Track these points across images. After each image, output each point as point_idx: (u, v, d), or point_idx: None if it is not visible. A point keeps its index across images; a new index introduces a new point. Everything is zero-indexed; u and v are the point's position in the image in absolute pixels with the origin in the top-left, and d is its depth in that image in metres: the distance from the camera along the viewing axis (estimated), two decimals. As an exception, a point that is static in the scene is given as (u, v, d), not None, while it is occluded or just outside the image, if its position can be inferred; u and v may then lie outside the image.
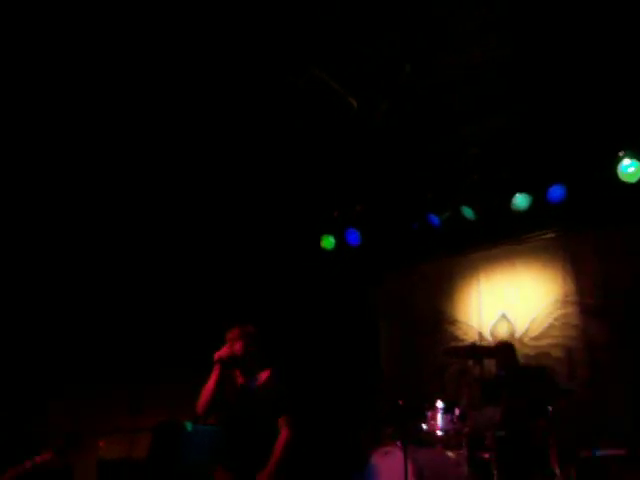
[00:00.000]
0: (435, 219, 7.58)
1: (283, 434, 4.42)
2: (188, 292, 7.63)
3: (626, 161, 6.45)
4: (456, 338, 7.74)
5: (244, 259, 7.88)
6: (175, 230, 7.42)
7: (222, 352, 4.49)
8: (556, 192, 6.96)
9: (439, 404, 5.77)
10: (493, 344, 7.11)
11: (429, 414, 5.79)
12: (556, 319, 7.17)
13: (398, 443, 5.61)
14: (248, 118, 6.44)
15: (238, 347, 4.58)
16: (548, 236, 7.45)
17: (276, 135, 6.79)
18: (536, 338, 7.24)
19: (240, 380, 4.68)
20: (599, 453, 5.60)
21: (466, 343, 7.21)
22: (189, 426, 6.85)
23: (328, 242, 7.99)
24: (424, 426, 5.80)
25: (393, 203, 7.82)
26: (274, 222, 7.82)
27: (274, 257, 8.10)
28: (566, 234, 7.35)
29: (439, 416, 5.73)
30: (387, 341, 8.37)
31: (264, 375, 4.67)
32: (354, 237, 7.92)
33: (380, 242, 8.02)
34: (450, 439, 5.69)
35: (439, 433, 5.71)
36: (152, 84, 5.94)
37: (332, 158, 7.20)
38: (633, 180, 6.43)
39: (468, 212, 7.39)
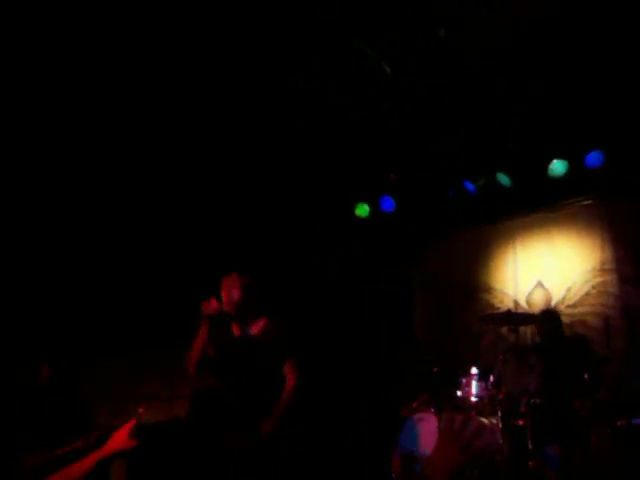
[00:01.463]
0: (471, 186, 7.51)
1: (290, 381, 4.33)
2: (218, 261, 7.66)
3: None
4: (492, 306, 7.70)
5: (278, 228, 7.89)
6: (207, 197, 7.43)
7: (211, 307, 4.33)
8: (594, 158, 6.86)
9: (474, 371, 5.77)
10: (530, 312, 7.07)
11: (463, 381, 5.80)
12: (593, 287, 7.08)
13: (432, 409, 5.64)
14: (282, 84, 6.41)
15: (235, 294, 4.42)
16: (585, 203, 7.33)
17: (310, 101, 6.75)
18: (572, 306, 7.17)
19: (236, 331, 4.53)
20: (636, 421, 5.54)
21: (502, 310, 7.17)
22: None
23: (363, 210, 7.97)
24: (458, 393, 5.81)
25: (428, 170, 7.75)
26: (309, 190, 7.80)
27: (308, 224, 8.10)
28: (604, 201, 7.22)
29: (473, 383, 5.74)
30: (422, 309, 8.36)
31: (261, 322, 4.51)
32: (389, 205, 7.88)
33: (415, 210, 7.97)
34: (484, 406, 5.69)
35: (473, 400, 5.72)
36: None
37: (367, 124, 7.14)
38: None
39: (504, 179, 7.31)
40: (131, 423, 3.54)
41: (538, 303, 7.33)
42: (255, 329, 4.50)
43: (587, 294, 7.11)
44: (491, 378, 5.67)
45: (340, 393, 7.11)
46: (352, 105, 6.84)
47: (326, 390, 6.42)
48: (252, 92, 6.38)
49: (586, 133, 6.88)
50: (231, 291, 4.44)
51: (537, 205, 7.57)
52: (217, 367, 4.47)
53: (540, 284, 7.43)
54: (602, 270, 7.06)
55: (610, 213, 7.16)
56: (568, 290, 7.22)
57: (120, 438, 3.50)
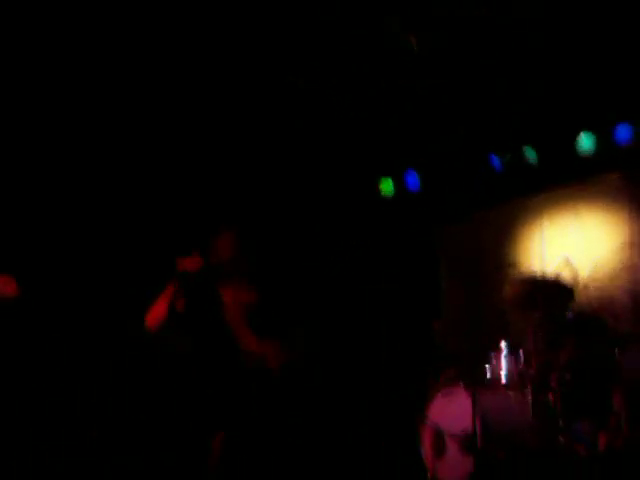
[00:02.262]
0: (497, 161, 7.45)
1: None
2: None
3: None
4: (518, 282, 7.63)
5: (299, 202, 7.83)
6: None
7: (189, 263, 3.76)
8: (623, 132, 6.77)
9: (503, 345, 5.74)
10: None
11: (493, 356, 5.77)
12: (621, 263, 7.00)
13: (461, 384, 5.61)
14: (307, 56, 6.35)
15: (227, 254, 3.84)
16: (614, 178, 7.22)
17: (334, 75, 6.69)
18: (600, 282, 7.09)
19: (227, 297, 3.95)
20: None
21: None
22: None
23: (387, 185, 7.92)
24: (487, 368, 5.78)
25: (454, 145, 7.68)
26: (332, 164, 7.74)
27: (330, 199, 8.03)
28: (632, 176, 7.10)
29: (503, 358, 5.71)
30: (449, 286, 8.33)
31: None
32: (414, 180, 7.84)
33: (441, 185, 7.92)
34: (514, 381, 5.66)
35: (503, 375, 5.69)
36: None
37: (392, 98, 7.08)
38: None
39: (531, 153, 7.24)
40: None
41: (566, 279, 7.26)
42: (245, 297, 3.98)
43: (615, 270, 7.03)
44: (521, 353, 5.64)
45: (370, 365, 7.06)
46: (374, 81, 6.80)
47: (354, 361, 6.34)
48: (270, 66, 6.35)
49: (614, 106, 6.78)
50: (224, 251, 3.92)
51: (564, 180, 7.48)
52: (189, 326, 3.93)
53: (567, 260, 7.35)
54: (631, 246, 6.97)
55: (638, 188, 7.06)
56: (596, 266, 7.14)
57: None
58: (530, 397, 5.40)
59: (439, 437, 5.54)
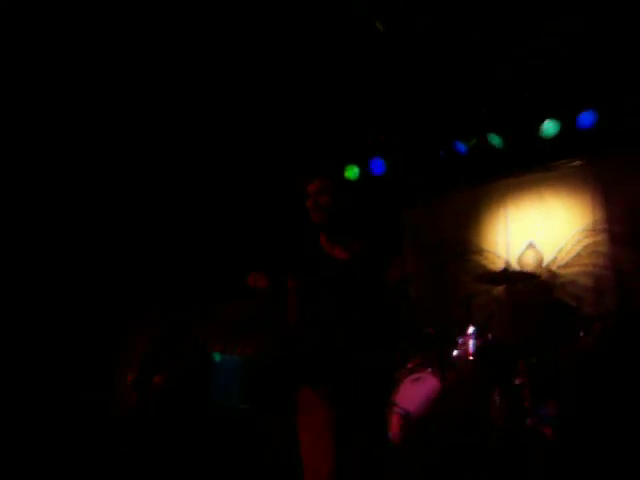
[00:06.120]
0: (462, 147, 7.46)
1: None
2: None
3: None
4: (483, 267, 7.68)
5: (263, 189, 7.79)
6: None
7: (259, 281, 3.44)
8: (586, 118, 6.83)
9: (470, 330, 5.77)
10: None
11: (460, 340, 5.80)
12: (585, 247, 7.09)
13: (429, 369, 5.64)
14: (272, 43, 6.30)
15: (324, 200, 3.38)
16: (577, 163, 7.32)
17: (300, 62, 6.63)
18: (564, 267, 7.18)
19: (335, 250, 3.48)
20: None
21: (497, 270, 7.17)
22: (217, 357, 6.86)
23: (352, 172, 7.89)
24: (455, 352, 5.81)
25: (418, 131, 7.68)
26: (295, 152, 7.69)
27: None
28: (595, 161, 7.21)
29: (471, 342, 5.74)
30: (414, 270, 8.33)
31: (356, 245, 3.53)
32: (379, 166, 7.82)
33: (405, 171, 7.91)
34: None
35: (471, 359, 5.72)
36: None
37: (356, 85, 7.04)
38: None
39: (495, 139, 7.28)
40: None
41: (529, 264, 7.34)
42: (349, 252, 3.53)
43: (578, 254, 7.12)
44: (489, 336, 5.68)
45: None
46: (340, 65, 6.74)
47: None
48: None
49: (578, 93, 6.84)
50: (319, 197, 3.46)
51: (528, 166, 7.55)
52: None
53: (531, 245, 7.43)
54: (593, 230, 7.07)
55: (601, 174, 7.15)
56: (559, 251, 7.22)
57: None
58: (497, 380, 5.44)
59: (408, 422, 5.55)
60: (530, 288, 6.71)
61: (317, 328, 3.36)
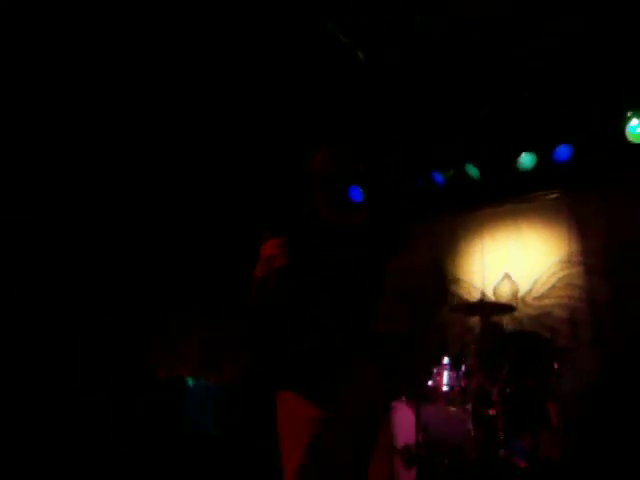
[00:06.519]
0: (439, 177, 7.51)
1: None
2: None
3: (634, 121, 6.39)
4: (459, 297, 7.70)
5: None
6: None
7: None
8: (563, 152, 6.91)
9: (445, 361, 5.77)
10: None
11: (435, 370, 5.79)
12: (560, 279, 7.13)
13: (404, 399, 5.62)
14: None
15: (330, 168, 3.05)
16: (554, 196, 7.39)
17: (279, 91, 6.65)
18: (539, 298, 7.21)
19: (328, 213, 3.10)
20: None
21: (472, 301, 7.19)
22: (190, 381, 6.80)
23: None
24: (429, 382, 5.80)
25: (396, 161, 7.72)
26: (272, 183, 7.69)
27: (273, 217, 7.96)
28: (571, 194, 7.29)
29: (445, 373, 5.73)
30: (390, 300, 8.30)
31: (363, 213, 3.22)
32: (357, 194, 7.82)
33: (383, 200, 7.92)
34: (455, 395, 5.69)
35: (444, 389, 5.71)
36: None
37: (335, 114, 7.07)
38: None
39: (473, 170, 7.33)
40: None
41: (505, 295, 7.37)
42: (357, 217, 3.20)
43: (554, 286, 7.16)
44: (463, 368, 5.67)
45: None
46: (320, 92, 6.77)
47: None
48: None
49: (554, 126, 6.92)
50: (326, 164, 3.16)
51: (505, 197, 7.61)
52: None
53: (507, 276, 7.46)
54: (569, 262, 7.12)
55: (577, 206, 7.22)
56: (535, 282, 7.26)
57: None
58: (471, 411, 5.43)
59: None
60: (505, 319, 6.74)
61: (313, 316, 2.88)
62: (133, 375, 6.57)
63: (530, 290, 7.27)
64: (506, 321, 6.76)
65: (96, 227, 6.84)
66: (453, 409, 5.62)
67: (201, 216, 7.51)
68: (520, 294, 7.31)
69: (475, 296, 7.33)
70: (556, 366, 5.57)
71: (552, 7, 5.64)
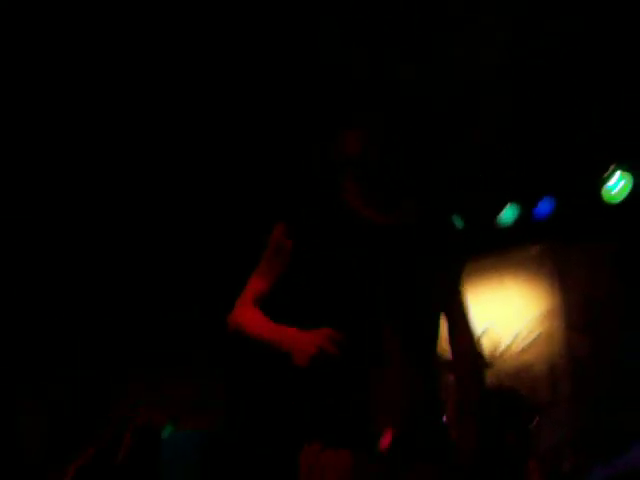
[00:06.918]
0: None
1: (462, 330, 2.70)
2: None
3: (613, 179, 6.41)
4: (439, 352, 7.64)
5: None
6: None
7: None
8: (545, 206, 6.94)
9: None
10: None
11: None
12: (540, 334, 7.11)
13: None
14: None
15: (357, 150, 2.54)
16: (535, 250, 7.40)
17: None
18: (519, 353, 7.18)
19: (371, 213, 2.59)
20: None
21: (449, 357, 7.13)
22: (167, 431, 6.66)
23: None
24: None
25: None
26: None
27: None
28: (553, 248, 7.30)
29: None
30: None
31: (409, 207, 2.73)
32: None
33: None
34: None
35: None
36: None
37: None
38: (617, 201, 6.41)
39: (457, 222, 7.34)
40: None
41: (485, 350, 7.31)
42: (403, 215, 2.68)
43: (534, 341, 7.13)
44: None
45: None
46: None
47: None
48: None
49: (535, 180, 6.96)
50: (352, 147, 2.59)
51: (487, 250, 7.59)
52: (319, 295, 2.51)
53: (488, 330, 7.41)
54: (550, 317, 7.10)
55: (559, 260, 7.23)
56: (516, 336, 7.23)
57: None
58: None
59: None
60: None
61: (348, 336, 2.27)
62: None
63: (510, 344, 7.23)
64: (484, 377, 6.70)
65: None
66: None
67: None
68: (500, 349, 7.26)
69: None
70: (535, 422, 5.51)
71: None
